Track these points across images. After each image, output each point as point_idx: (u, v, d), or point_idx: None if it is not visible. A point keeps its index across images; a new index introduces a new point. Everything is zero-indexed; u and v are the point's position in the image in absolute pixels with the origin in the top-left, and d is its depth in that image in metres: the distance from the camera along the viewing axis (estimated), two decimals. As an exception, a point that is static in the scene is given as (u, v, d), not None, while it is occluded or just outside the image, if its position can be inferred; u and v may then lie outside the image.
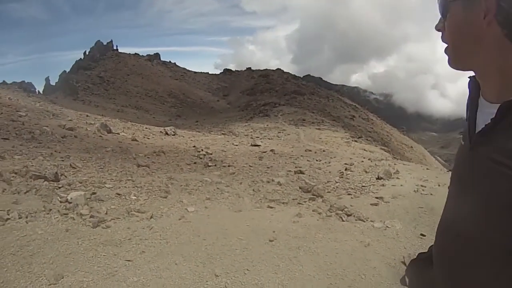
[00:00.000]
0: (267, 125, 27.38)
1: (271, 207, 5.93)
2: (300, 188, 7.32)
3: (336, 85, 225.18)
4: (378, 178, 8.50)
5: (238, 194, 6.63)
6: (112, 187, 5.95)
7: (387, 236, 5.02)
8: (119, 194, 5.55)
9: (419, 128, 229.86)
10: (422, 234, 5.19)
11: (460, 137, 0.99)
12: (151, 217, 4.79)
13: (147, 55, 66.08)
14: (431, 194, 7.18)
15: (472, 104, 0.90)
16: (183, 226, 4.60)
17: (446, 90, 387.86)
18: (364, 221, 5.49)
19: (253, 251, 4.08)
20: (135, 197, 5.55)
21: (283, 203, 6.32)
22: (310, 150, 14.28)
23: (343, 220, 5.42)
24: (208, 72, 69.81)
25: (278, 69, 67.38)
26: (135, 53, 65.29)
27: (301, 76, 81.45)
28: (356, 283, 3.63)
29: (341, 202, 6.35)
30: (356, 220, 5.51)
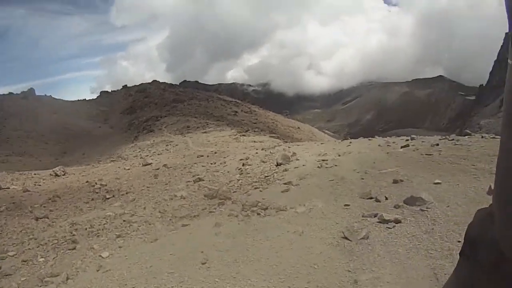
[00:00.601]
0: (154, 140, 27.36)
1: (186, 225, 5.63)
2: (205, 196, 7.13)
3: (214, 85, 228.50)
4: (277, 165, 8.70)
5: (146, 221, 6.23)
6: (16, 254, 5.61)
7: (315, 217, 4.97)
8: (25, 261, 5.19)
9: (302, 109, 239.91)
10: (346, 205, 5.27)
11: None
12: (67, 278, 4.30)
13: (22, 92, 63.52)
14: (335, 165, 7.53)
15: None
16: (105, 279, 4.05)
17: (322, 68, 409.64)
18: (285, 210, 5.36)
19: (190, 282, 3.58)
20: (43, 259, 5.18)
21: (194, 216, 6.05)
22: (202, 155, 14.33)
23: (263, 216, 5.21)
24: (85, 99, 68.89)
25: (154, 81, 68.03)
26: (9, 92, 63.36)
27: (178, 83, 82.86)
28: (314, 276, 3.43)
29: (251, 198, 6.32)
30: (276, 212, 5.37)
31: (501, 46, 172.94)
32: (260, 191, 6.76)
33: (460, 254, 0.98)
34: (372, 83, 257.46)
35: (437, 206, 4.62)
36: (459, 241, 3.61)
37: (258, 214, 5.34)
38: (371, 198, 5.36)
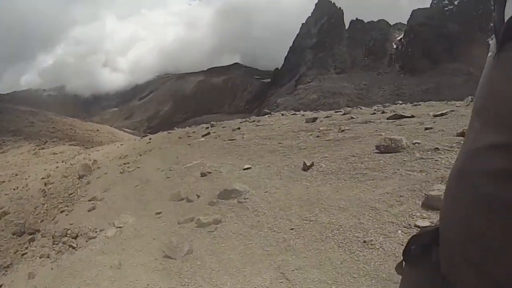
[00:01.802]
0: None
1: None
2: (13, 234, 6.35)
3: (7, 94, 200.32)
4: (80, 177, 8.48)
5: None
6: None
7: (128, 239, 4.44)
8: None
9: (100, 109, 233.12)
10: (157, 213, 4.96)
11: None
12: None
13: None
14: (138, 167, 7.23)
15: None
16: None
17: (118, 64, 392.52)
18: (95, 237, 4.56)
19: None
20: None
21: (7, 267, 5.32)
22: (4, 181, 12.77)
23: (75, 250, 4.28)
24: None
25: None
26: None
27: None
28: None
29: (60, 225, 5.90)
30: (87, 241, 4.53)
31: (297, 34, 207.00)
32: (67, 214, 6.39)
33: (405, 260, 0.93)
34: (169, 75, 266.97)
35: (255, 194, 4.80)
36: (292, 229, 3.80)
37: (70, 246, 4.51)
38: (182, 199, 5.22)
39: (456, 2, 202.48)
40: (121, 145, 13.33)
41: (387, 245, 3.30)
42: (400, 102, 17.01)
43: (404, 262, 0.92)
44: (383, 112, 10.75)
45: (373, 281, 2.87)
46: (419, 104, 12.39)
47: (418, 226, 3.48)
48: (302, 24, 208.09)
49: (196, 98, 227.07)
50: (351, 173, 5.46)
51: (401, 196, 4.22)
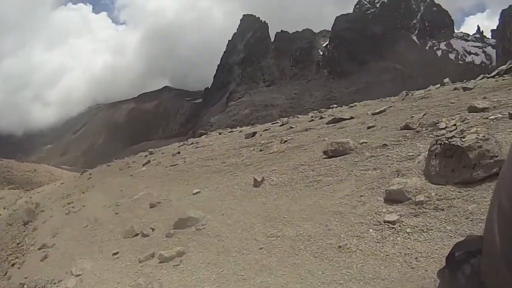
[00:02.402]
0: None
1: None
2: None
3: None
4: (25, 224, 7.97)
5: None
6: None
7: (103, 281, 4.20)
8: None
9: (36, 146, 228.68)
10: (114, 253, 4.75)
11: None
12: None
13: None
14: (83, 206, 6.92)
15: None
16: None
17: (48, 97, 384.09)
18: None
19: None
20: None
21: None
22: None
23: None
24: None
25: None
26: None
27: None
28: None
29: (14, 281, 5.45)
30: None
31: (224, 51, 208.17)
32: (19, 267, 6.10)
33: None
34: (100, 105, 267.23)
35: (212, 219, 4.73)
36: (261, 248, 3.77)
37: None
38: (136, 234, 5.04)
39: (378, 5, 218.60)
40: (62, 183, 12.89)
41: (363, 246, 3.37)
42: (335, 105, 17.58)
43: (446, 267, 0.94)
44: (321, 118, 11.02)
45: (361, 283, 2.91)
46: (355, 105, 12.93)
47: (388, 221, 3.58)
48: (228, 41, 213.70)
49: (130, 126, 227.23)
50: (304, 182, 5.50)
51: (361, 196, 4.33)
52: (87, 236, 5.88)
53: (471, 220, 3.26)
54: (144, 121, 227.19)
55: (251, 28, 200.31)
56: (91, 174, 11.77)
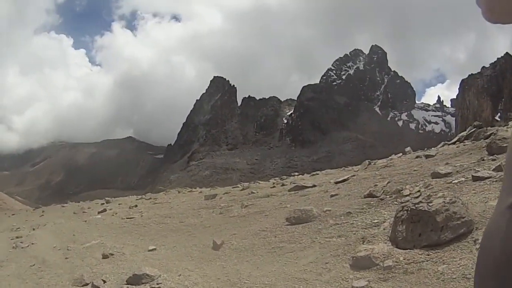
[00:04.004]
0: None
1: None
2: None
3: None
4: None
5: None
6: None
7: None
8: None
9: None
10: None
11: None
12: None
13: None
14: (32, 243, 6.72)
15: None
16: None
17: (13, 123, 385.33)
18: None
19: None
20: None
21: None
22: None
23: None
24: None
25: None
26: None
27: None
28: None
29: None
30: None
31: (191, 110, 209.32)
32: None
33: None
34: (62, 143, 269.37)
35: (168, 279, 4.64)
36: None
37: None
38: (86, 284, 4.76)
39: (343, 76, 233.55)
40: (13, 214, 12.36)
41: None
42: (296, 173, 17.91)
43: None
44: (282, 185, 11.20)
45: None
46: (317, 173, 13.23)
47: (357, 287, 3.54)
48: (196, 100, 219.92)
49: (89, 171, 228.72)
50: (266, 248, 5.47)
51: (326, 263, 4.28)
52: (33, 276, 5.56)
53: (442, 280, 3.28)
54: (104, 168, 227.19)
55: (220, 90, 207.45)
56: (44, 211, 11.47)
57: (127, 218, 8.38)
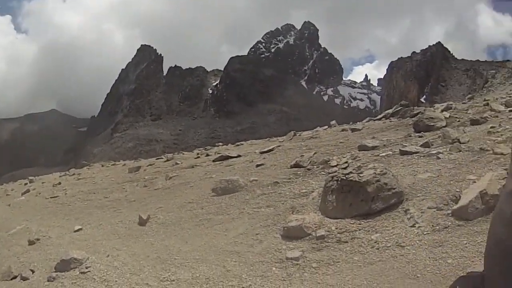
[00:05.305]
0: None
1: None
2: None
3: None
4: None
5: None
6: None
7: None
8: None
9: None
10: None
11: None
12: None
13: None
14: None
15: None
16: None
17: None
18: None
19: None
20: None
21: None
22: None
23: None
24: None
25: None
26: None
27: None
28: None
29: None
30: None
31: (115, 80, 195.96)
32: None
33: None
34: None
35: (96, 261, 4.54)
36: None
37: None
38: (15, 277, 4.49)
39: (273, 50, 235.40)
40: None
41: (269, 285, 3.25)
42: (221, 143, 17.90)
43: None
44: (207, 155, 11.18)
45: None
46: (242, 144, 13.30)
47: (291, 258, 3.55)
48: (122, 69, 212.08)
49: (12, 149, 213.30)
50: (194, 220, 5.38)
51: (257, 234, 4.29)
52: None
53: (377, 249, 3.40)
54: (27, 145, 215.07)
55: (146, 59, 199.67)
56: (-37, 199, 10.43)
57: (51, 197, 8.05)
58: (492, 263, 0.94)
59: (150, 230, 5.43)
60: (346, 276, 3.18)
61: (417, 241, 3.35)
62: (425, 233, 3.44)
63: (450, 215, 3.58)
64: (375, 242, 3.49)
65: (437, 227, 3.46)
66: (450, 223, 3.47)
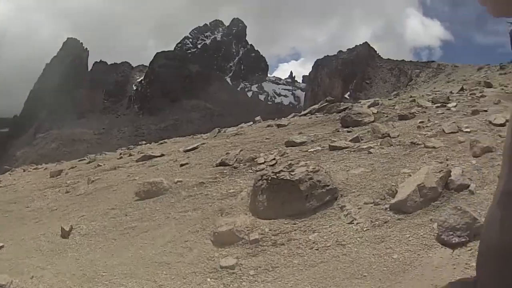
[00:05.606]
0: None
1: None
2: None
3: None
4: None
5: None
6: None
7: None
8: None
9: None
10: None
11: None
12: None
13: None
14: None
15: None
16: None
17: None
18: None
19: None
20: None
21: None
22: None
23: None
24: None
25: None
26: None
27: None
28: None
29: None
30: None
31: (39, 76, 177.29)
32: None
33: None
34: None
35: (20, 285, 4.24)
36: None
37: None
38: None
39: (199, 46, 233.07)
40: None
41: None
42: (144, 142, 17.43)
43: None
44: (130, 155, 10.76)
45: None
46: (165, 142, 13.00)
47: (226, 267, 3.37)
48: (46, 64, 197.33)
49: None
50: (118, 229, 5.04)
51: (186, 241, 4.08)
52: None
53: (317, 249, 3.32)
54: None
55: (71, 53, 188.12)
56: None
57: (-32, 211, 7.21)
58: (485, 269, 0.95)
59: (74, 243, 5.02)
60: (288, 282, 3.08)
61: (358, 238, 3.34)
62: (364, 229, 3.44)
63: (389, 209, 3.61)
64: (313, 243, 3.41)
65: (377, 222, 3.47)
66: (389, 218, 3.49)
